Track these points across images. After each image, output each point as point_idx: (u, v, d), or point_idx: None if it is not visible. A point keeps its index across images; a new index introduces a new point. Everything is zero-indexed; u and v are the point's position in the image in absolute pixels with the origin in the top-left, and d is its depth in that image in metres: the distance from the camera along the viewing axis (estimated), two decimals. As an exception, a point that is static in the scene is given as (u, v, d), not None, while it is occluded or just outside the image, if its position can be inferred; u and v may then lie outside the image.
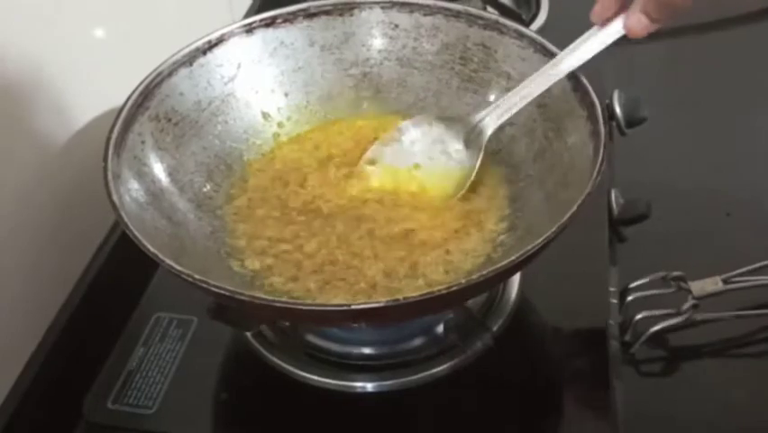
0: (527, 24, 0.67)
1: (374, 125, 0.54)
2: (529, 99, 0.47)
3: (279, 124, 0.54)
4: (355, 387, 0.48)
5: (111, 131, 0.45)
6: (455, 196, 0.49)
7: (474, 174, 0.49)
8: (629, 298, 0.55)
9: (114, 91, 0.49)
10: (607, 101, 0.65)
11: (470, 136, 0.49)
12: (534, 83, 0.47)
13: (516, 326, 0.50)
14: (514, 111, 0.48)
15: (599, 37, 0.45)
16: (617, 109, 0.65)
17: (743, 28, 0.80)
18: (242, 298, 0.37)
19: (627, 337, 0.54)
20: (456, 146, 0.50)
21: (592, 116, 0.44)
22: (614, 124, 0.65)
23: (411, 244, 0.47)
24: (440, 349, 0.48)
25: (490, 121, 0.48)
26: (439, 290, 0.36)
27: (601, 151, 0.42)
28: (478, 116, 0.49)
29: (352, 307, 0.37)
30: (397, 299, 0.36)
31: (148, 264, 0.52)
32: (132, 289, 0.54)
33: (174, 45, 0.50)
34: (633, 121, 0.65)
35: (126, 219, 0.40)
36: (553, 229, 0.38)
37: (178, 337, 0.51)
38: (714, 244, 0.58)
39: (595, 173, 0.41)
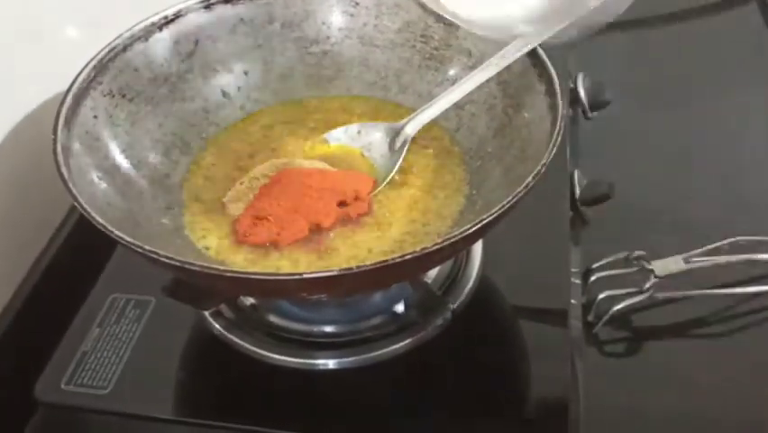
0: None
1: (335, 105, 0.54)
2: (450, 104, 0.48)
3: (239, 103, 0.53)
4: (317, 364, 0.47)
5: (61, 104, 0.44)
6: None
7: (392, 174, 0.48)
8: (592, 278, 0.55)
9: (75, 67, 0.48)
10: (571, 84, 0.66)
11: (395, 141, 0.49)
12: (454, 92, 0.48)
13: (477, 304, 0.49)
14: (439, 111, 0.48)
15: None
16: (582, 92, 0.65)
17: (705, 18, 0.81)
18: (193, 268, 0.36)
19: (590, 317, 0.54)
20: (382, 151, 0.50)
21: (550, 90, 0.44)
22: (578, 107, 0.66)
23: (376, 222, 0.46)
24: (400, 326, 0.48)
25: (414, 125, 0.49)
26: (393, 259, 0.36)
27: (558, 123, 0.42)
28: (402, 122, 0.49)
29: (305, 276, 0.36)
30: (350, 268, 0.36)
31: (106, 245, 0.51)
32: (91, 271, 0.53)
33: (135, 20, 0.49)
34: (596, 104, 0.65)
35: (75, 192, 0.40)
36: (509, 199, 0.38)
37: (135, 318, 0.50)
38: (675, 224, 0.59)
39: (551, 144, 0.41)
